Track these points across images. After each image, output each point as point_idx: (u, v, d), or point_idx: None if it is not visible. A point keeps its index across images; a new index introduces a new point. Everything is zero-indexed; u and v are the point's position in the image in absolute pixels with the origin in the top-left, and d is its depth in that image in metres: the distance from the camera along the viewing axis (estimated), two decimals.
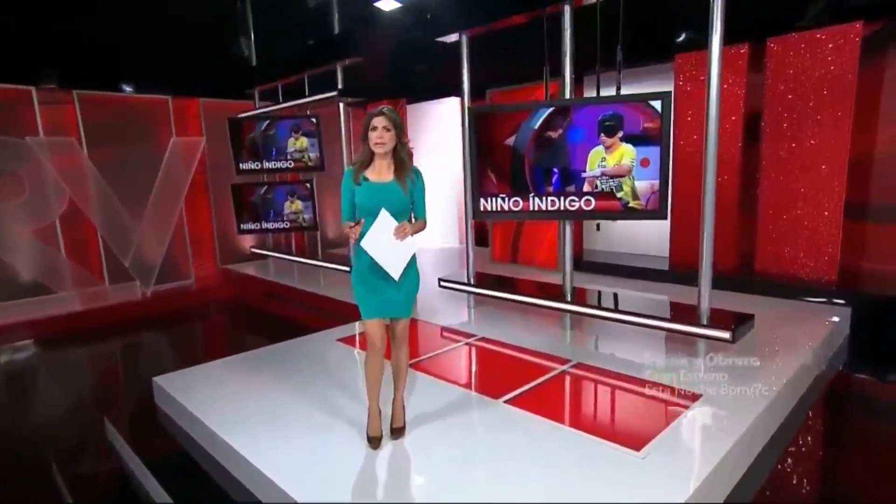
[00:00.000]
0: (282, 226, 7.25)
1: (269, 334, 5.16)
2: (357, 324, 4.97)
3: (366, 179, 2.71)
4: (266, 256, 8.12)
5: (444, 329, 4.73)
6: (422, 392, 3.39)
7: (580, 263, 6.79)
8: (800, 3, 5.08)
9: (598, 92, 5.24)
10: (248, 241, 8.45)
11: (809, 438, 3.34)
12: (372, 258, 2.70)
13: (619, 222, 6.84)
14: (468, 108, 4.56)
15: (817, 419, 3.57)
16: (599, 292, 4.71)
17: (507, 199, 4.39)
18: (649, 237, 7.00)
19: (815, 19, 4.98)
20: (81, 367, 5.42)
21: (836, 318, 4.49)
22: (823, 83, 4.84)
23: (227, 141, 7.15)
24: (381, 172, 2.72)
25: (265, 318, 6.65)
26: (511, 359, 4.01)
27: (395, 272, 2.70)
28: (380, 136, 2.64)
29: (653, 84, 6.15)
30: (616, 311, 4.06)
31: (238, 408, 3.31)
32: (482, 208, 4.44)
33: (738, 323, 3.47)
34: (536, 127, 4.22)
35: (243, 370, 3.94)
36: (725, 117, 5.34)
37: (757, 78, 5.30)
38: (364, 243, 2.70)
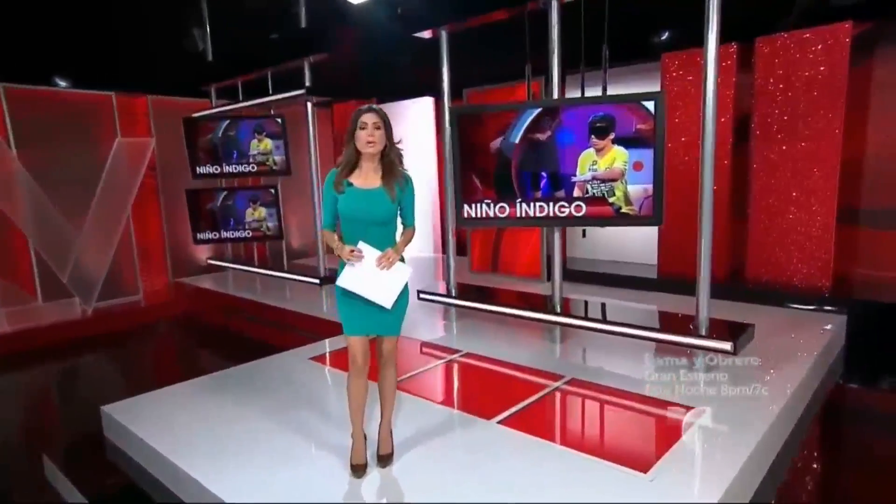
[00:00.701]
0: (243, 235, 7.14)
1: (230, 354, 5.04)
2: (328, 341, 4.89)
3: (350, 185, 2.67)
4: (225, 268, 7.95)
5: (424, 344, 4.69)
6: (407, 414, 3.34)
7: (563, 272, 6.84)
8: (788, 2, 5.27)
9: (582, 92, 5.33)
10: (204, 252, 8.26)
11: (815, 453, 3.42)
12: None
13: (605, 229, 6.95)
14: (450, 108, 4.56)
15: (819, 432, 3.67)
16: (586, 302, 4.75)
17: (492, 205, 4.39)
18: (635, 244, 7.12)
19: (801, 19, 5.17)
20: (12, 397, 5.12)
21: (829, 326, 4.63)
22: (813, 84, 5.03)
23: (182, 142, 7.00)
24: (367, 177, 2.68)
25: (225, 337, 6.52)
26: (500, 376, 4.00)
27: (387, 302, 2.66)
28: (370, 134, 2.60)
29: (637, 84, 6.29)
30: (610, 322, 4.09)
31: (203, 437, 3.20)
32: (466, 215, 4.44)
33: (738, 333, 3.55)
34: (524, 128, 4.24)
35: (206, 395, 3.82)
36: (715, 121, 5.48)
37: (745, 79, 5.47)
38: (342, 282, 2.65)
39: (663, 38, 6.25)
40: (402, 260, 2.71)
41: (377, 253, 2.64)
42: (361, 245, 2.62)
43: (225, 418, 3.44)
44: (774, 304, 5.29)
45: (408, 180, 2.73)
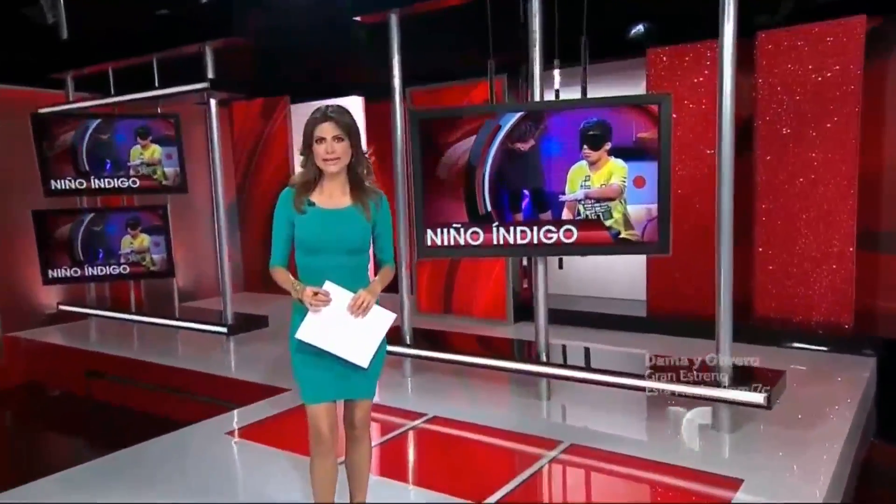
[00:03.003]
0: (117, 271, 6.90)
1: (98, 436, 4.80)
2: (245, 409, 4.76)
3: (312, 205, 2.65)
4: (86, 316, 7.53)
5: (375, 408, 4.61)
6: (377, 500, 3.28)
7: (529, 311, 6.93)
8: None
9: (556, 94, 5.54)
10: (53, 296, 7.80)
11: None
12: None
13: (580, 259, 7.16)
14: (410, 110, 4.63)
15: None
16: (587, 349, 4.87)
17: (462, 230, 4.45)
18: (619, 277, 7.36)
19: (800, 10, 5.64)
20: None
21: (865, 373, 4.94)
22: (824, 86, 5.46)
23: (31, 146, 6.66)
24: (333, 195, 2.68)
25: (88, 411, 6.26)
26: (480, 445, 4.03)
27: (363, 359, 2.63)
28: (329, 149, 2.59)
29: (618, 84, 6.60)
30: (612, 373, 4.20)
31: None
32: (429, 243, 4.47)
33: (770, 381, 3.74)
34: (501, 137, 4.35)
35: (76, 495, 3.56)
36: (709, 128, 5.83)
37: (745, 80, 5.86)
38: (304, 335, 2.59)
39: (644, 31, 6.58)
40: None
41: (349, 295, 2.61)
42: (328, 286, 2.59)
43: None
44: (789, 345, 5.61)
45: (382, 199, 2.75)
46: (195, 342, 6.64)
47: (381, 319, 2.66)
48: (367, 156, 2.74)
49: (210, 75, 6.09)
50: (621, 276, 7.29)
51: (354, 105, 8.63)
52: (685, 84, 6.10)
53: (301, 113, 8.89)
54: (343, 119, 2.60)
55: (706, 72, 5.99)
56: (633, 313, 6.70)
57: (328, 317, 2.60)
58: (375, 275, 2.76)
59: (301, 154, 2.68)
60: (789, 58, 5.60)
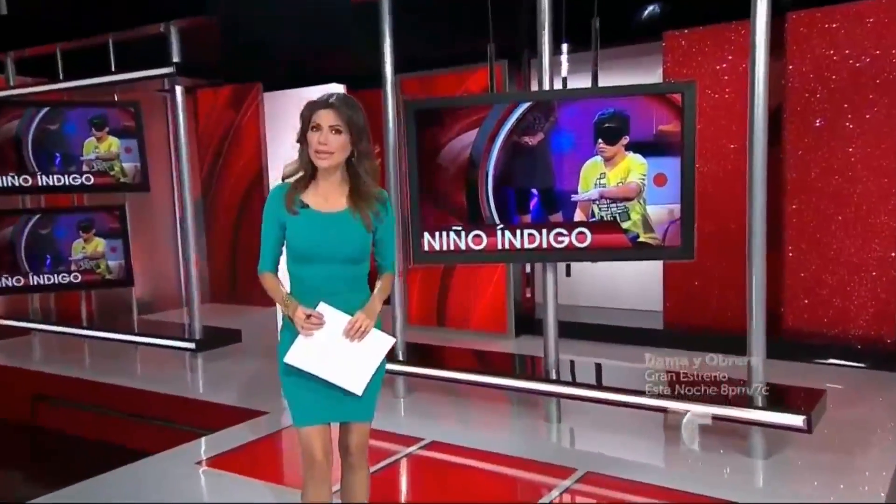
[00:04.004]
0: (67, 280, 6.86)
1: (46, 468, 4.74)
2: (216, 435, 4.73)
3: (305, 206, 2.65)
4: (28, 331, 7.47)
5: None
6: None
7: (532, 323, 7.01)
8: None
9: (564, 82, 5.55)
10: None
11: None
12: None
13: (588, 264, 7.20)
14: (406, 101, 4.64)
15: None
16: (573, 362, 4.87)
17: (463, 233, 4.47)
18: (629, 285, 7.42)
19: None
20: None
21: None
22: (862, 72, 5.53)
23: None
24: (328, 196, 2.68)
25: (33, 440, 6.21)
26: (484, 474, 4.05)
27: (357, 386, 2.65)
28: (323, 140, 2.58)
29: (630, 72, 6.66)
30: (630, 392, 4.21)
31: None
32: (427, 247, 4.50)
33: (810, 403, 3.77)
34: (507, 130, 4.37)
35: None
36: (733, 120, 5.89)
37: (774, 66, 5.93)
38: (293, 359, 2.62)
39: (659, 12, 6.63)
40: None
41: (345, 318, 2.62)
42: (323, 308, 2.59)
43: None
44: (821, 361, 5.68)
45: (386, 205, 2.75)
46: (157, 360, 6.62)
47: (379, 344, 2.70)
48: (372, 156, 2.71)
49: (175, 59, 6.08)
50: (633, 285, 7.34)
51: None
52: (706, 71, 6.15)
53: (276, 102, 8.89)
54: (346, 110, 2.58)
55: (729, 57, 6.07)
56: (648, 325, 6.74)
57: (321, 340, 2.61)
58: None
59: (297, 142, 2.67)
60: (823, 41, 5.66)
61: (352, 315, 2.63)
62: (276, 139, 8.98)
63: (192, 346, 6.17)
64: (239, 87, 8.89)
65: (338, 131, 2.58)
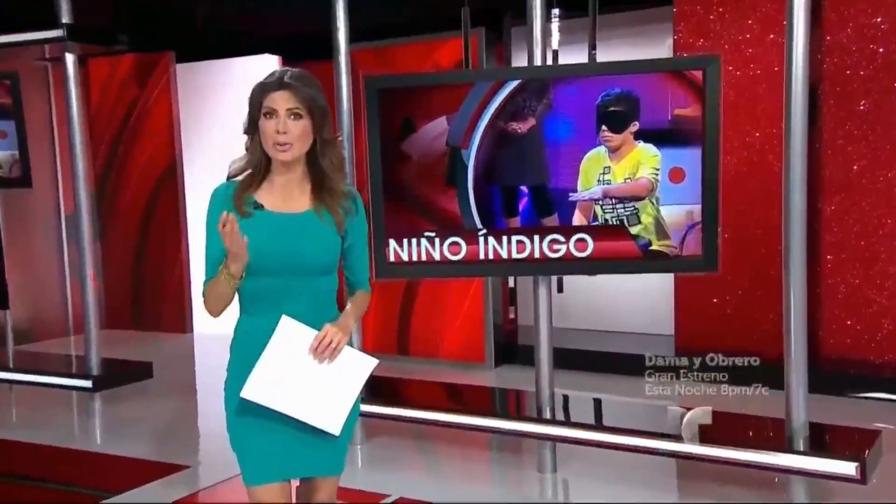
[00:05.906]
0: None
1: None
2: (122, 497, 4.68)
3: (259, 207, 2.66)
4: None
5: None
6: None
7: (515, 351, 7.14)
8: None
9: (554, 55, 5.62)
10: None
11: None
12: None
13: (581, 278, 7.28)
14: (367, 78, 4.66)
15: None
16: (567, 397, 4.97)
17: (437, 240, 4.49)
18: (632, 302, 7.52)
19: None
20: None
21: None
22: None
23: None
24: (287, 195, 2.68)
25: None
26: None
27: (333, 424, 2.63)
28: (282, 127, 2.56)
29: (633, 43, 6.78)
30: (645, 435, 4.28)
31: None
32: (393, 258, 4.50)
33: (862, 446, 3.86)
34: (491, 114, 4.42)
35: None
36: (758, 102, 6.01)
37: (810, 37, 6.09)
38: (251, 392, 2.57)
39: None
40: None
41: (311, 333, 2.64)
42: (285, 322, 2.60)
43: None
44: (865, 396, 5.81)
45: (356, 203, 2.77)
46: (40, 403, 6.55)
47: (358, 366, 2.68)
48: (337, 143, 2.72)
49: (65, 20, 6.03)
50: (638, 302, 7.44)
51: (267, 67, 8.67)
52: (725, 42, 6.24)
53: (191, 76, 8.85)
54: (305, 89, 2.57)
55: (755, 27, 6.14)
56: (656, 352, 6.83)
57: (285, 365, 2.59)
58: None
59: (245, 133, 2.68)
60: (868, 5, 5.76)
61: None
62: (192, 122, 8.98)
63: (88, 384, 6.08)
64: (144, 55, 8.80)
65: (297, 115, 2.57)
